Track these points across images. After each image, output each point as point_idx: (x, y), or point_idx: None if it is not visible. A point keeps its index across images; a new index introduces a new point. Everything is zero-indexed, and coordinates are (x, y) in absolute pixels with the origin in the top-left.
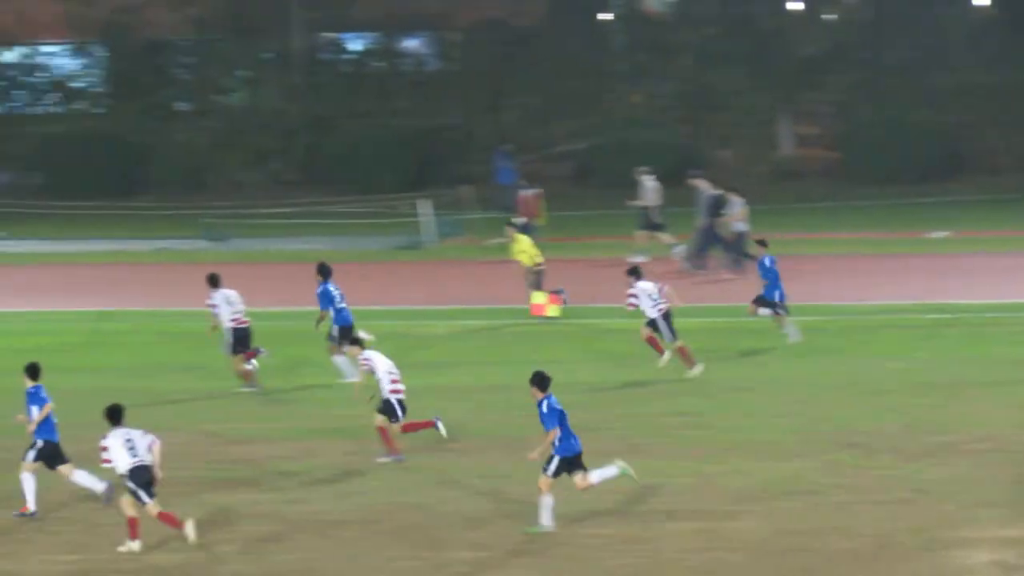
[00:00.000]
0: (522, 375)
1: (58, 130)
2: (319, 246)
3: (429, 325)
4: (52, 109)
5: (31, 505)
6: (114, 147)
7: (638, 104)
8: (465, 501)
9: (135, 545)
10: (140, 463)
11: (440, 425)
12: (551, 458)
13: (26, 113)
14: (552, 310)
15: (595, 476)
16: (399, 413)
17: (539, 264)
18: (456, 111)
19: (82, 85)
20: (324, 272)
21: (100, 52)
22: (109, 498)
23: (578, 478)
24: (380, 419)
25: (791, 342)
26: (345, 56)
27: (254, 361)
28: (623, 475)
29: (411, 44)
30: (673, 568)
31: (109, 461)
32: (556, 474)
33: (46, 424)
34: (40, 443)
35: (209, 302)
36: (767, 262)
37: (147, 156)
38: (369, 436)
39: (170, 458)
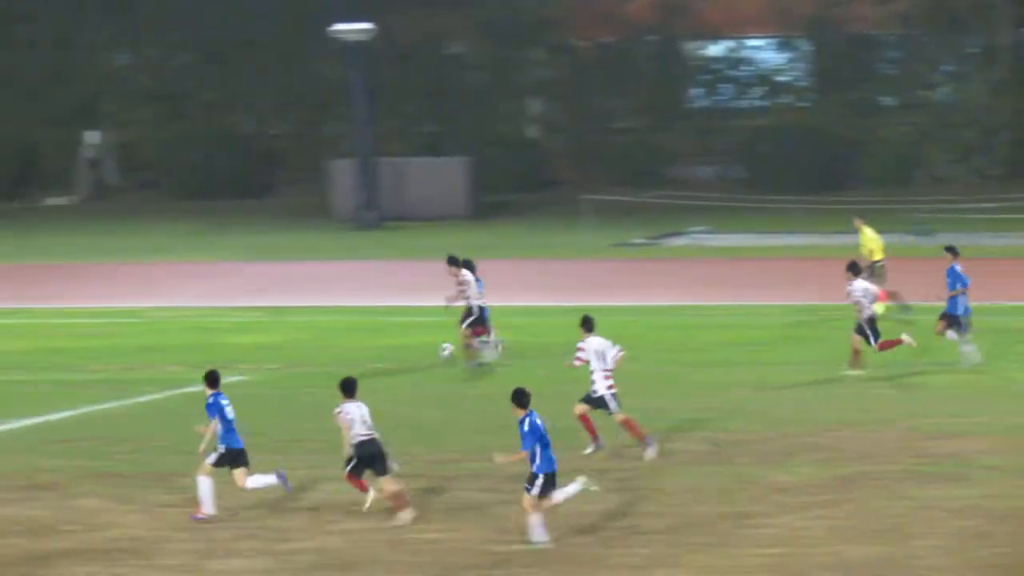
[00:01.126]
0: None
1: (762, 124)
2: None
3: None
4: (756, 103)
5: (208, 508)
6: (818, 141)
7: None
8: None
9: (405, 516)
10: (370, 436)
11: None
12: (534, 477)
13: (731, 107)
14: (878, 307)
15: (559, 495)
16: (612, 406)
17: (877, 261)
18: None
19: (787, 79)
20: (469, 266)
21: (805, 46)
22: (287, 484)
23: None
24: (582, 407)
25: (964, 366)
26: None
27: (484, 339)
28: (585, 491)
29: None
30: None
31: (347, 416)
32: (542, 493)
33: (230, 431)
34: (223, 449)
35: (460, 278)
36: (955, 272)
37: (852, 151)
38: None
39: (872, 453)
